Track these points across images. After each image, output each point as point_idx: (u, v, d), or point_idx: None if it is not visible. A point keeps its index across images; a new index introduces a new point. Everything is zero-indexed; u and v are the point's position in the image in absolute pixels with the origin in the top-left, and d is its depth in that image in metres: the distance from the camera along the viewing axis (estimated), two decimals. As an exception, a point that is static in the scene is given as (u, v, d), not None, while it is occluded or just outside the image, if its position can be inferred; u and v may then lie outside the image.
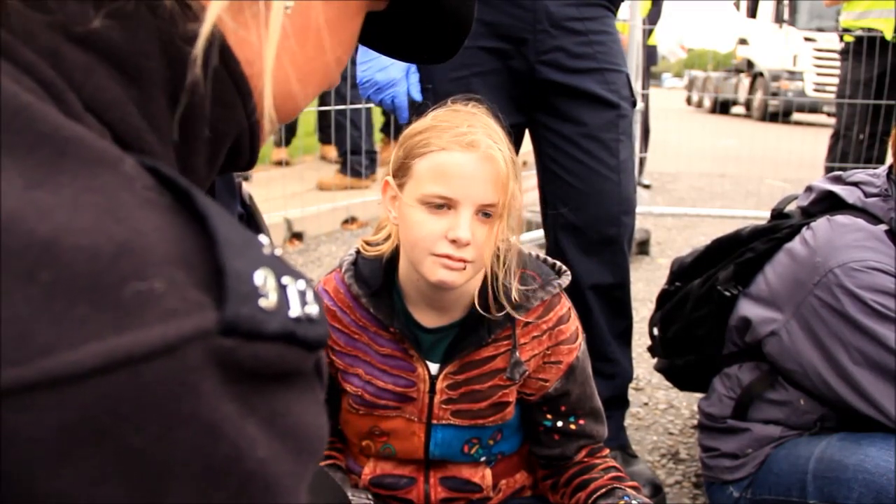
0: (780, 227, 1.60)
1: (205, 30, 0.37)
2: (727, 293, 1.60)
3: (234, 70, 0.40)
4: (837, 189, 1.53)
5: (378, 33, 0.55)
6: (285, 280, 0.32)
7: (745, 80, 13.82)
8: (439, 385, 1.23)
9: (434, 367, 1.23)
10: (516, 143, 1.74)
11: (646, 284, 3.34)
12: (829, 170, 4.46)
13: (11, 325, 0.24)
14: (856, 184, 1.53)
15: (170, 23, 0.37)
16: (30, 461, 0.24)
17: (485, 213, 1.10)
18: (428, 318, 1.22)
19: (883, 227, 1.43)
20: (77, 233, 0.26)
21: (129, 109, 0.36)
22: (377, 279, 1.21)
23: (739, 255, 1.63)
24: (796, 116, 11.97)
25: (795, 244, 1.51)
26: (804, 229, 1.52)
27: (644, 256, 3.88)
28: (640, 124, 4.88)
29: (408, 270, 1.20)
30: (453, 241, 1.08)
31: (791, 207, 1.72)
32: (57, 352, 0.25)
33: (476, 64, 1.59)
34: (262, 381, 0.30)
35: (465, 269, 1.10)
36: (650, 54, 5.63)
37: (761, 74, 13.19)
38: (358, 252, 1.26)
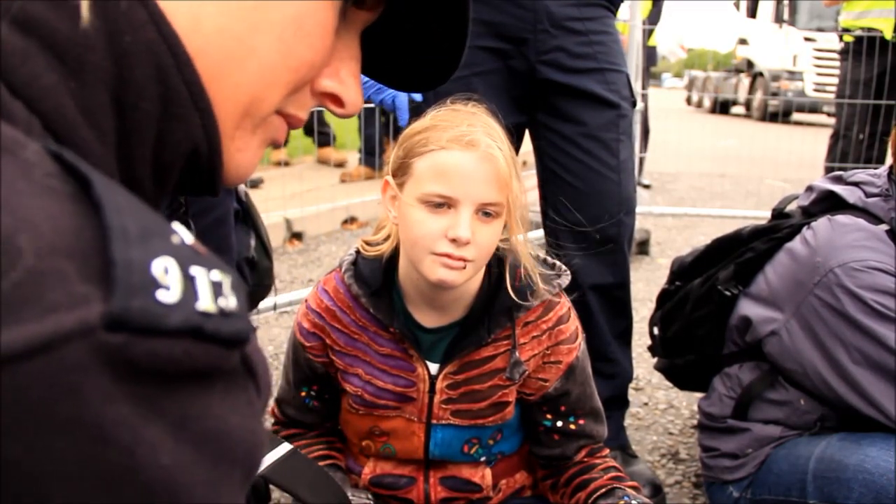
0: (781, 227, 1.60)
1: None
2: (727, 293, 1.60)
3: (187, 72, 0.38)
4: (838, 189, 1.53)
5: (375, 58, 0.54)
6: (194, 270, 0.29)
7: (745, 80, 13.82)
8: (439, 385, 1.23)
9: (434, 367, 1.23)
10: (516, 143, 1.74)
11: (646, 284, 3.34)
12: (829, 170, 4.45)
13: None
14: (856, 184, 1.52)
15: (123, 18, 0.35)
16: None
17: (485, 212, 1.10)
18: (428, 318, 1.22)
19: (884, 226, 1.43)
20: None
21: (65, 101, 0.34)
22: (377, 279, 1.21)
23: (740, 254, 1.63)
24: (796, 116, 11.98)
25: (796, 244, 1.51)
26: (805, 229, 1.52)
27: (644, 256, 3.88)
28: (640, 124, 4.87)
29: (408, 270, 1.19)
30: (453, 240, 1.07)
31: (792, 207, 1.72)
32: None
33: (476, 63, 1.59)
34: (170, 382, 0.27)
35: (465, 268, 1.10)
36: (650, 55, 5.63)
37: (761, 74, 13.19)
38: (358, 252, 1.26)
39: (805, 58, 12.39)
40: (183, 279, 0.28)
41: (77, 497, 0.25)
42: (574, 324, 1.28)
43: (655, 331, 1.82)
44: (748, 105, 13.55)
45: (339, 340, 1.25)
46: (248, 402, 0.31)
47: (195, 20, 0.39)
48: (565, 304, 1.27)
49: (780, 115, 11.32)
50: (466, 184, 1.07)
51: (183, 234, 0.31)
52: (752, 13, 12.04)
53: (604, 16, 1.69)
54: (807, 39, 12.37)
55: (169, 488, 0.27)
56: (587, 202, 1.65)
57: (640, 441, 2.04)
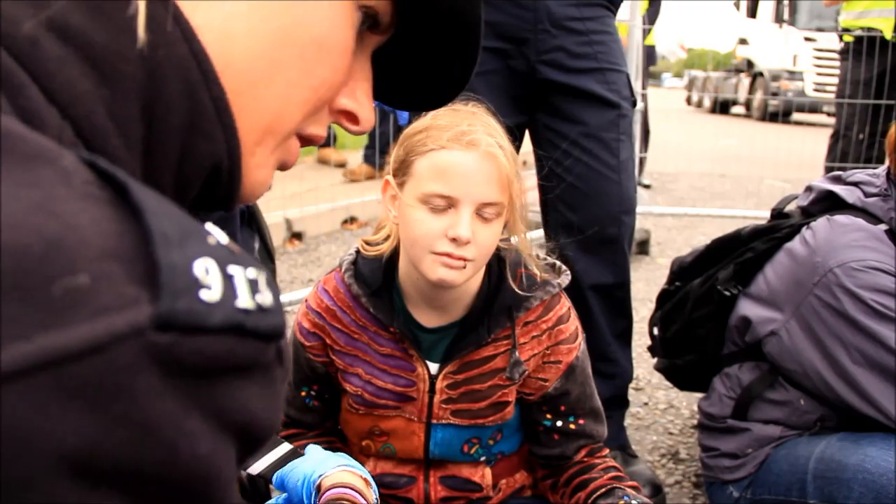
0: (780, 227, 1.60)
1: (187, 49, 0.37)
2: (727, 293, 1.60)
3: (216, 94, 0.39)
4: (837, 189, 1.53)
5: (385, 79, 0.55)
6: (232, 269, 0.30)
7: (745, 80, 13.83)
8: (439, 385, 1.23)
9: (434, 367, 1.23)
10: (517, 143, 1.74)
11: (646, 284, 3.35)
12: (828, 170, 4.46)
13: None
14: (856, 184, 1.53)
15: (157, 32, 0.37)
16: None
17: (486, 211, 1.10)
18: (428, 318, 1.22)
19: (883, 226, 1.44)
20: (6, 229, 0.25)
21: (97, 108, 0.35)
22: (377, 279, 1.21)
23: (739, 254, 1.63)
24: (796, 116, 11.99)
25: (795, 244, 1.51)
26: (804, 229, 1.52)
27: (644, 256, 3.89)
28: (640, 124, 4.87)
29: (408, 269, 1.19)
30: (453, 240, 1.08)
31: (791, 207, 1.73)
32: None
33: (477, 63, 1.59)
34: (212, 376, 0.29)
35: (465, 267, 1.10)
36: (649, 54, 5.63)
37: (761, 74, 13.20)
38: (358, 252, 1.26)
39: (805, 58, 12.41)
40: (223, 278, 0.29)
41: (124, 485, 0.27)
42: (574, 324, 1.28)
43: (655, 331, 1.82)
44: (748, 105, 13.56)
45: (339, 340, 1.25)
46: (277, 391, 0.33)
47: (224, 38, 0.40)
48: (565, 303, 1.28)
49: (780, 115, 11.33)
50: (467, 183, 1.08)
51: (218, 234, 0.32)
52: (752, 13, 12.06)
53: (604, 15, 1.70)
54: (807, 39, 12.39)
55: (203, 475, 0.28)
56: (587, 202, 1.65)
57: (641, 441, 2.05)
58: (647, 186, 5.83)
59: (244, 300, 0.30)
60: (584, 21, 1.64)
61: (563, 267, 1.30)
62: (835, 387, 1.40)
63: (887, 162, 1.52)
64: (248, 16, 0.40)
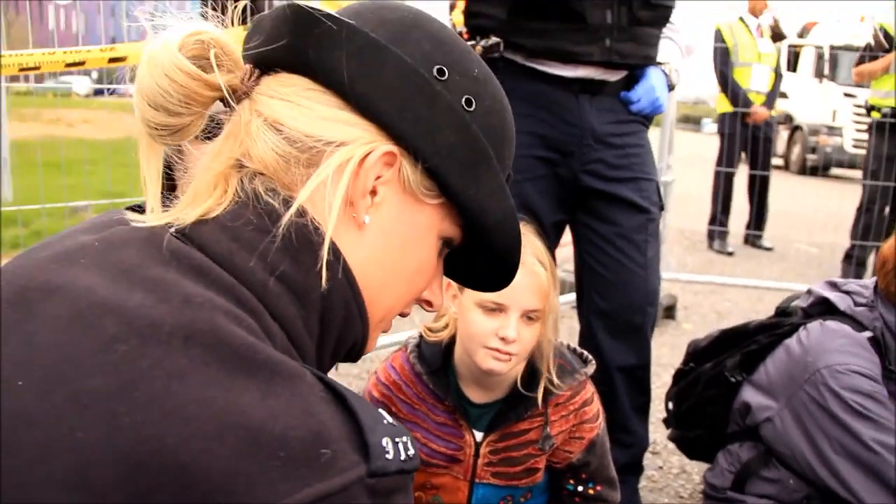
0: (782, 325, 1.84)
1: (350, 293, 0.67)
2: (733, 379, 1.85)
3: (360, 303, 0.67)
4: (832, 296, 1.78)
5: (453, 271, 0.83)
6: (397, 439, 0.54)
7: (784, 134, 13.92)
8: (482, 450, 1.49)
9: (479, 435, 1.50)
10: (558, 236, 2.01)
11: (670, 350, 3.47)
12: (852, 247, 4.66)
13: (266, 483, 0.47)
14: (848, 293, 1.77)
15: (333, 278, 0.64)
16: None
17: (528, 316, 1.37)
18: (476, 395, 1.49)
19: (868, 333, 1.67)
20: (294, 427, 0.50)
21: (298, 323, 0.62)
22: (437, 360, 1.49)
23: (746, 345, 1.88)
24: (835, 171, 12.04)
25: (793, 342, 1.75)
26: (801, 329, 1.76)
27: (670, 321, 4.01)
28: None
29: (462, 356, 1.47)
30: (502, 339, 1.35)
31: (797, 302, 1.96)
32: (289, 495, 0.48)
33: (528, 170, 1.84)
34: (391, 495, 0.53)
35: (510, 360, 1.37)
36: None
37: (800, 128, 13.29)
38: (421, 336, 1.53)
39: (845, 113, 12.46)
40: (393, 445, 0.55)
41: None
42: (596, 406, 1.54)
43: (670, 405, 2.06)
44: (786, 158, 13.65)
45: (402, 409, 1.52)
46: (411, 494, 0.59)
47: (363, 272, 0.68)
48: (589, 388, 1.54)
49: (819, 169, 11.39)
50: (515, 294, 1.35)
51: (386, 416, 0.58)
52: (793, 67, 12.17)
53: (639, 130, 1.94)
54: (847, 95, 12.45)
55: None
56: (617, 293, 1.89)
57: (654, 503, 2.26)
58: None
59: (403, 455, 0.55)
60: (622, 136, 1.88)
61: (590, 357, 1.56)
62: (818, 471, 1.63)
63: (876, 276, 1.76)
64: (380, 259, 0.69)
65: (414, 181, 0.68)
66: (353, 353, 0.72)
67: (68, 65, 2.13)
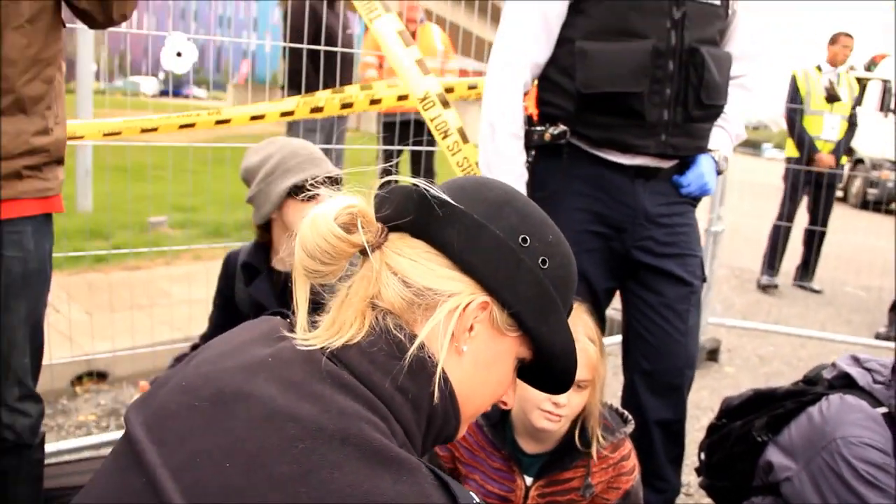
0: (808, 393, 2.04)
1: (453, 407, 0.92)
2: (759, 439, 2.05)
3: (456, 408, 0.93)
4: (853, 372, 1.97)
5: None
6: None
7: (846, 166, 13.80)
8: (531, 493, 1.73)
9: (529, 480, 1.74)
10: (608, 300, 2.23)
11: (710, 393, 3.61)
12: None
13: None
14: (869, 370, 1.96)
15: (442, 395, 0.89)
16: None
17: (578, 384, 1.61)
18: (529, 446, 1.74)
19: (883, 409, 1.86)
20: None
21: (412, 424, 0.87)
22: (496, 415, 1.74)
23: (773, 408, 2.08)
24: (895, 206, 11.94)
25: (815, 410, 1.95)
26: (823, 399, 1.96)
27: (712, 364, 4.12)
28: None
29: (519, 413, 1.71)
30: (555, 403, 1.59)
31: (825, 372, 2.16)
32: None
33: (585, 243, 2.05)
34: None
35: (560, 420, 1.61)
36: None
37: (862, 161, 13.17)
38: (483, 391, 1.79)
39: (909, 148, 12.33)
40: None
41: None
42: (633, 461, 1.77)
43: (702, 456, 2.27)
44: (846, 191, 13.54)
45: (464, 454, 1.78)
46: None
47: (459, 385, 0.93)
48: (628, 445, 1.77)
49: (882, 204, 11.30)
50: (567, 366, 1.59)
51: (475, 496, 0.84)
52: (858, 100, 12.08)
53: (687, 210, 2.14)
54: (912, 130, 12.32)
55: None
56: (659, 356, 2.11)
57: (685, 541, 2.47)
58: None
59: None
60: (671, 216, 2.08)
61: (629, 417, 1.79)
62: (829, 530, 1.83)
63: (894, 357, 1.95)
64: (472, 376, 0.94)
65: (501, 321, 0.93)
66: (448, 440, 0.98)
67: (181, 126, 2.45)
